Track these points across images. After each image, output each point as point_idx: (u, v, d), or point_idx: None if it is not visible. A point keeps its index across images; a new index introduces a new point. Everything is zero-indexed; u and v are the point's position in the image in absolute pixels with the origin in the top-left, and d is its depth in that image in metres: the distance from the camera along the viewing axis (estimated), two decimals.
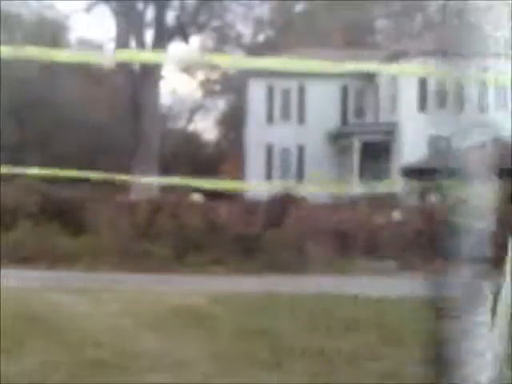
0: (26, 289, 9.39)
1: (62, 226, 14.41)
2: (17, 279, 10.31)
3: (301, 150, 29.06)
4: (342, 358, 5.66)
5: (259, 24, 38.82)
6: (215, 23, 32.85)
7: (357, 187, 24.81)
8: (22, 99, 28.53)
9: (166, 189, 22.57)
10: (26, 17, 32.49)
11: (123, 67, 28.27)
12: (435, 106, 25.49)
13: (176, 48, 36.70)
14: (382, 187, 23.50)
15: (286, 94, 29.29)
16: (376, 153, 26.10)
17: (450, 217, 2.01)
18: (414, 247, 13.99)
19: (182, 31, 29.13)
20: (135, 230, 14.09)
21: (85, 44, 36.22)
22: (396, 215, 15.67)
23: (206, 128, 42.41)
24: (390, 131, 26.17)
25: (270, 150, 29.16)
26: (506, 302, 1.91)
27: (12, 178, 15.62)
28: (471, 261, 1.87)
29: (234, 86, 36.04)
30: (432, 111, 25.39)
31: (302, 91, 29.14)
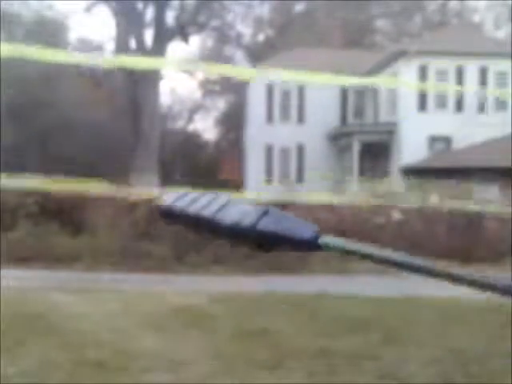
0: (26, 289, 9.39)
1: (61, 226, 14.40)
2: (17, 279, 10.32)
3: (300, 149, 29.05)
4: (341, 358, 5.66)
5: (259, 24, 38.81)
6: (215, 23, 32.82)
7: (357, 187, 24.82)
8: (21, 98, 28.52)
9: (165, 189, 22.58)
10: (26, 17, 32.46)
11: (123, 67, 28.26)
12: (435, 106, 25.48)
13: (176, 48, 36.77)
14: (381, 187, 23.49)
15: (285, 93, 29.27)
16: (376, 153, 26.10)
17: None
18: (414, 247, 14.00)
19: (181, 31, 29.11)
20: (135, 229, 14.08)
21: (85, 44, 36.21)
22: (396, 215, 15.66)
23: (206, 128, 42.36)
24: (390, 131, 26.16)
25: (269, 150, 29.15)
26: None
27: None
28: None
29: (233, 85, 36.02)
30: (432, 111, 25.38)
31: (301, 91, 29.14)
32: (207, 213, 1.19)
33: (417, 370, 5.36)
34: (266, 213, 1.14)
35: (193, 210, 1.24)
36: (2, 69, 22.91)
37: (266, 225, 1.12)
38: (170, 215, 1.36)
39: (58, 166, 27.42)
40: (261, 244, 1.14)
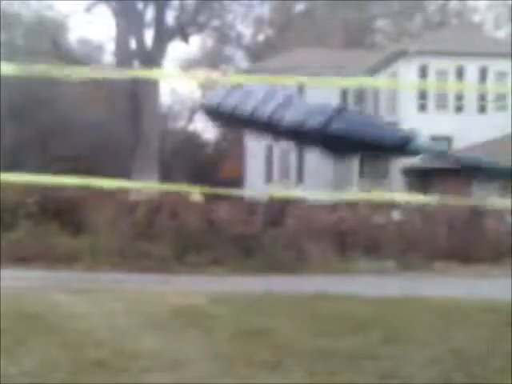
0: (26, 289, 9.38)
1: (61, 226, 14.40)
2: (17, 279, 10.31)
3: (300, 150, 29.06)
4: (341, 358, 5.66)
5: (259, 24, 38.80)
6: (215, 23, 32.80)
7: (357, 187, 24.82)
8: (21, 98, 28.51)
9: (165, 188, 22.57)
10: (26, 17, 32.45)
11: (123, 66, 28.26)
12: (435, 107, 25.49)
13: (176, 48, 36.75)
14: (381, 187, 23.48)
15: None
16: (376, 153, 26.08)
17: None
18: (414, 247, 14.00)
19: (181, 31, 29.09)
20: (135, 229, 14.08)
21: (85, 44, 36.19)
22: (396, 215, 15.66)
23: (206, 128, 42.33)
24: None
25: (269, 150, 29.15)
26: None
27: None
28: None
29: (234, 85, 35.97)
30: (432, 111, 25.37)
31: (301, 91, 29.13)
32: (264, 111, 1.03)
33: (417, 370, 5.36)
34: (340, 112, 0.97)
35: (246, 108, 1.07)
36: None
37: (341, 125, 0.96)
38: (217, 114, 1.16)
39: (57, 166, 27.41)
40: (333, 147, 0.98)
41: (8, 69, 3.57)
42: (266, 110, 1.00)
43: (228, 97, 1.07)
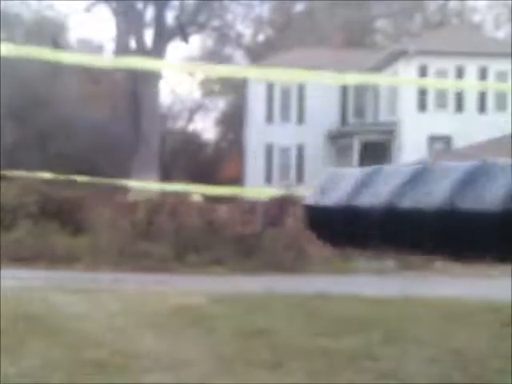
0: (26, 289, 9.38)
1: (61, 226, 14.40)
2: (17, 279, 10.31)
3: (300, 149, 29.04)
4: (341, 357, 5.66)
5: (259, 24, 38.78)
6: (215, 23, 32.79)
7: None
8: (21, 97, 28.51)
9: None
10: (26, 17, 32.44)
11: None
12: (435, 106, 25.48)
13: (176, 48, 36.75)
14: None
15: (285, 93, 29.26)
16: (376, 153, 26.09)
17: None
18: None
19: (181, 31, 29.10)
20: (135, 229, 14.08)
21: (85, 44, 36.19)
22: None
23: (206, 128, 42.31)
24: (390, 131, 26.15)
25: (269, 150, 29.14)
26: None
27: (12, 178, 15.61)
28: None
29: (233, 85, 36.02)
30: (432, 111, 25.37)
31: (301, 91, 29.13)
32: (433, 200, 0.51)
33: (417, 370, 5.36)
34: None
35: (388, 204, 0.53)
36: (1, 67, 22.90)
37: None
38: (339, 221, 0.63)
39: (58, 166, 27.41)
40: None
41: (4, 49, 3.57)
42: (439, 197, 0.53)
43: (353, 193, 0.59)
